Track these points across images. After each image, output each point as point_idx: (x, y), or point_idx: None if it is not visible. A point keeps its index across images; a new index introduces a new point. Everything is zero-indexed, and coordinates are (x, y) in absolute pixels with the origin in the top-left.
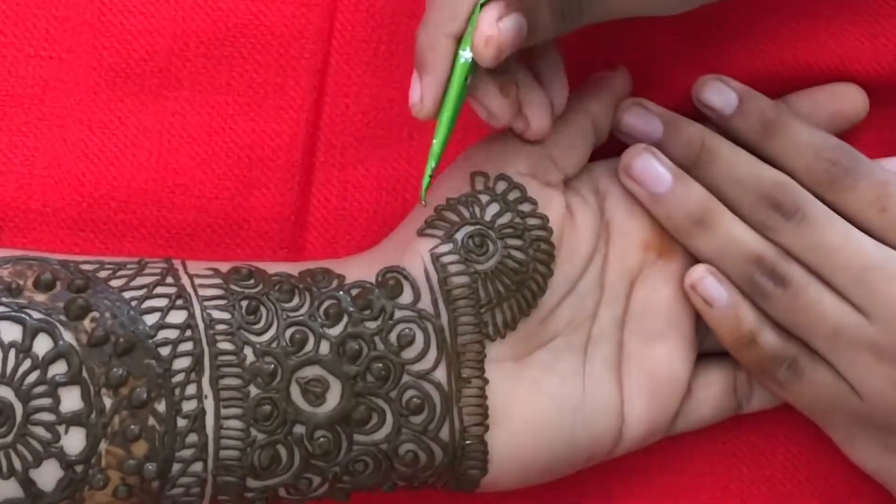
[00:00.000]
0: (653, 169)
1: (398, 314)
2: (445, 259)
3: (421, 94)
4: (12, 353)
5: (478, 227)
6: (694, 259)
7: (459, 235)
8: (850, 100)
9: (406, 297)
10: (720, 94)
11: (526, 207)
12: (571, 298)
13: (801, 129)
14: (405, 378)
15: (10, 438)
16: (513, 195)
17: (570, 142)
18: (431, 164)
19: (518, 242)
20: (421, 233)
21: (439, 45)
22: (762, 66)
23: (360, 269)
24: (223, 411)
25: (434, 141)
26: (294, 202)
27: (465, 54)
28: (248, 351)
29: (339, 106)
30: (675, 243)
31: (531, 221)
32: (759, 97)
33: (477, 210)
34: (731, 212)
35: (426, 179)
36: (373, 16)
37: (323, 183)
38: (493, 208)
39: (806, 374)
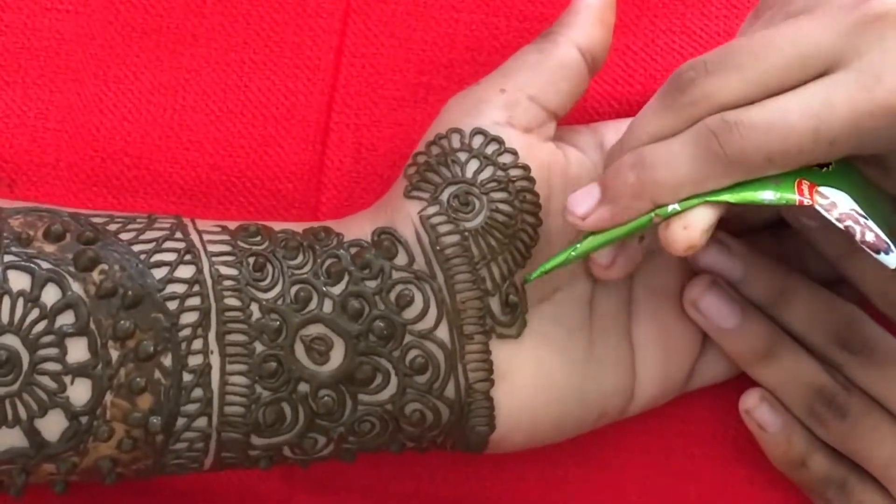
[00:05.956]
0: (721, 306)
1: (395, 275)
2: (434, 220)
3: (588, 213)
4: (20, 302)
5: (461, 185)
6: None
7: (444, 196)
8: None
9: (401, 258)
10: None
11: (507, 159)
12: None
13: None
14: (408, 338)
15: (16, 387)
16: (491, 148)
17: (548, 78)
18: (545, 267)
19: (503, 196)
20: (407, 194)
21: (640, 202)
22: None
23: (356, 228)
24: (228, 367)
25: (557, 258)
26: (308, 162)
27: (656, 219)
28: (254, 307)
29: (355, 66)
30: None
31: (514, 172)
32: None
33: (458, 168)
34: (796, 343)
35: (538, 271)
36: None
37: (337, 144)
38: (474, 164)
39: (855, 496)
